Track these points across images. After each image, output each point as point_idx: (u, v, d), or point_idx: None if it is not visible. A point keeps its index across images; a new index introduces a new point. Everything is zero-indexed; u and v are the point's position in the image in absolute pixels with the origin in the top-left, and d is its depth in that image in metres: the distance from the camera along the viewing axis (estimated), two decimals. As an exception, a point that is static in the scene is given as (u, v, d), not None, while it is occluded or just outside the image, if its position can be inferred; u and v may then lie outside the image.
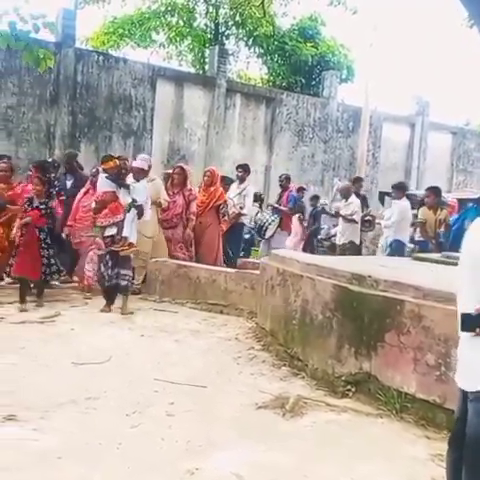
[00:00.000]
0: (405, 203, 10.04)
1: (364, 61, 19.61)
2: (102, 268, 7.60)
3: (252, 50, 21.53)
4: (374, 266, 5.73)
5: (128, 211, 7.47)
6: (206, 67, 20.67)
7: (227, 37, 21.03)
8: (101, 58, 15.97)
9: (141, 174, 7.87)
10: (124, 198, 7.52)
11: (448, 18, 40.68)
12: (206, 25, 21.26)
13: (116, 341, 6.49)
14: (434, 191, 9.85)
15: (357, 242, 10.46)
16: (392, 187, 10.76)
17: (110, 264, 7.52)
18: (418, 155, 21.81)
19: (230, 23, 20.77)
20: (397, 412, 5.17)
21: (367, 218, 11.04)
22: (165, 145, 16.73)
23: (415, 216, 14.31)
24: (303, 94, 19.92)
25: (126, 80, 16.15)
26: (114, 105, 16.04)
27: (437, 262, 6.52)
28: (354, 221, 10.28)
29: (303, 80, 20.89)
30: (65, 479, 3.53)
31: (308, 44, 20.53)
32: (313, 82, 20.93)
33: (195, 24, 21.23)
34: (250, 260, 10.64)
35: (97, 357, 5.77)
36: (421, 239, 9.70)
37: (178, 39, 21.17)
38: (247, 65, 22.31)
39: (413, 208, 15.91)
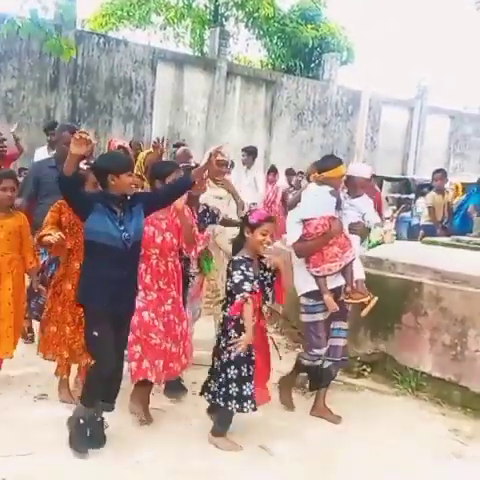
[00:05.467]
0: None
1: (364, 43, 19.58)
2: (314, 340, 4.68)
3: (252, 32, 21.39)
4: (389, 249, 5.81)
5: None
6: (205, 49, 20.59)
7: (227, 18, 20.89)
8: (102, 41, 15.86)
9: (364, 187, 5.20)
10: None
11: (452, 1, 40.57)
12: (206, 6, 21.08)
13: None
14: (443, 174, 9.85)
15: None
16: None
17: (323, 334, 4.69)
18: (416, 139, 21.85)
19: (230, 4, 20.57)
20: (413, 390, 5.34)
21: None
22: (165, 129, 16.65)
23: (412, 200, 14.38)
24: (303, 77, 19.86)
25: (126, 63, 16.05)
26: (114, 89, 15.96)
27: (448, 246, 6.60)
28: None
29: (303, 63, 20.80)
30: None
31: (309, 26, 20.41)
32: (313, 65, 20.87)
33: (194, 4, 21.07)
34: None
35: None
36: (427, 223, 9.73)
37: (176, 20, 21.01)
38: (246, 47, 22.19)
39: (410, 192, 15.99)
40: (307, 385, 5.20)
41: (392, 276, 5.62)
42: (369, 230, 5.12)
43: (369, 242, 5.57)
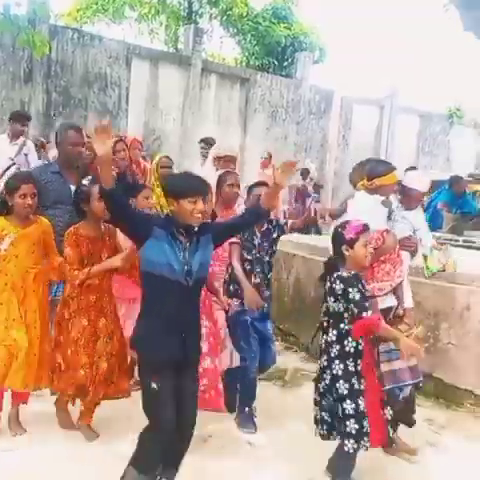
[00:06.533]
0: None
1: (336, 43, 19.82)
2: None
3: (226, 30, 21.49)
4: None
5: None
6: (179, 45, 20.62)
7: (201, 16, 20.93)
8: (76, 35, 15.80)
9: (420, 201, 4.86)
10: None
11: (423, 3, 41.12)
12: (180, 2, 21.10)
13: None
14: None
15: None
16: None
17: None
18: (386, 137, 22.16)
19: (204, 1, 20.63)
20: None
21: None
22: (140, 125, 16.70)
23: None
24: (276, 75, 20.04)
25: (101, 58, 16.02)
26: (89, 83, 15.93)
27: None
28: None
29: (276, 61, 20.97)
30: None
31: (282, 25, 20.58)
32: (286, 63, 21.02)
33: (168, 1, 21.05)
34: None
35: None
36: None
37: (151, 16, 21.02)
38: (221, 45, 22.28)
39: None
40: (286, 377, 5.39)
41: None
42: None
43: (428, 268, 5.16)
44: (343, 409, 3.62)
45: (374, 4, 49.57)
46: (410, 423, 4.37)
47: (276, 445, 4.39)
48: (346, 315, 3.70)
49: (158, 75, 17.12)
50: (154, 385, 3.30)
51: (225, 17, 20.80)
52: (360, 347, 3.69)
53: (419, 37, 52.57)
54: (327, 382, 3.72)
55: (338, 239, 3.78)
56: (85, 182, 4.11)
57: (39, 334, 4.21)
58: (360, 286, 3.63)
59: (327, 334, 3.77)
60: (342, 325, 3.72)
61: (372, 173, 4.40)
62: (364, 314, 3.57)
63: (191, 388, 3.52)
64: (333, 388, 3.68)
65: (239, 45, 21.82)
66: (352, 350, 3.67)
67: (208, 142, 9.38)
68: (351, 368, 3.67)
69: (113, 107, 16.37)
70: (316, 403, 3.87)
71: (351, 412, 3.60)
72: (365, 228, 3.75)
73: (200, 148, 9.42)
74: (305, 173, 15.74)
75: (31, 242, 4.22)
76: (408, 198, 4.62)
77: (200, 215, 3.41)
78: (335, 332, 3.73)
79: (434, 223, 8.95)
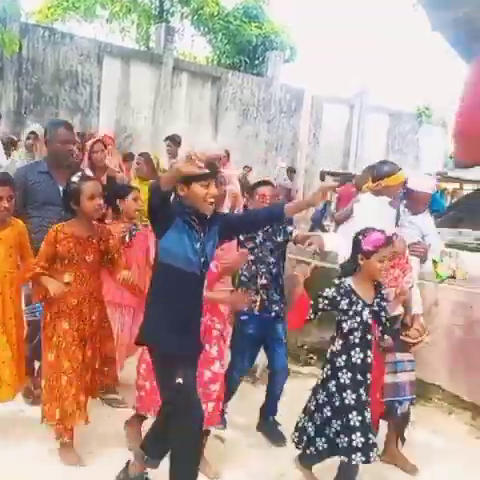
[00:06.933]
0: None
1: (306, 43, 19.96)
2: None
3: (197, 28, 21.58)
4: (333, 240, 6.08)
5: None
6: (151, 44, 20.63)
7: (172, 14, 20.99)
8: (47, 33, 15.76)
9: (426, 204, 4.56)
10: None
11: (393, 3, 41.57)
12: (151, 1, 21.13)
13: None
14: None
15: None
16: None
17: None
18: (357, 136, 22.40)
19: (175, 0, 20.70)
20: None
21: None
22: (112, 123, 16.69)
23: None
24: (247, 74, 20.18)
25: (72, 56, 16.02)
26: (60, 81, 15.91)
27: None
28: None
29: (247, 60, 21.12)
30: None
31: (252, 24, 20.74)
32: (257, 62, 21.17)
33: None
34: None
35: None
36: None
37: (122, 14, 21.01)
38: (192, 43, 22.36)
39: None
40: (256, 374, 5.44)
41: (336, 267, 5.92)
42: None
43: (437, 276, 4.86)
44: (348, 420, 3.43)
45: (344, 4, 50.03)
46: (403, 439, 4.21)
47: (246, 441, 4.46)
48: (345, 325, 3.55)
49: (129, 73, 17.14)
50: (180, 380, 3.12)
51: (196, 16, 20.92)
52: (369, 359, 3.52)
53: (389, 37, 53.20)
54: (331, 391, 3.53)
55: (356, 246, 3.58)
56: (75, 179, 3.86)
57: (15, 341, 4.01)
58: (341, 292, 3.55)
59: (333, 344, 3.60)
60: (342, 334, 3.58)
61: (377, 174, 4.26)
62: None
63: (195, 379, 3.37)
64: (336, 398, 3.50)
65: (210, 44, 21.95)
66: (359, 361, 3.50)
67: (174, 140, 9.26)
68: (360, 378, 3.49)
69: (84, 105, 16.34)
70: (306, 412, 3.68)
71: (357, 424, 3.41)
72: (386, 242, 3.54)
73: (166, 146, 9.24)
74: (291, 173, 15.81)
75: (8, 245, 4.00)
76: (415, 201, 4.39)
77: (213, 200, 3.16)
78: (341, 342, 3.56)
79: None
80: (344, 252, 3.98)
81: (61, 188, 4.27)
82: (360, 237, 3.55)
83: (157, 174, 6.46)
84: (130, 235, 4.60)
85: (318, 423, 3.56)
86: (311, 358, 6.00)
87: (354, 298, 3.51)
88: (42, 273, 3.78)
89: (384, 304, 3.59)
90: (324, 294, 3.57)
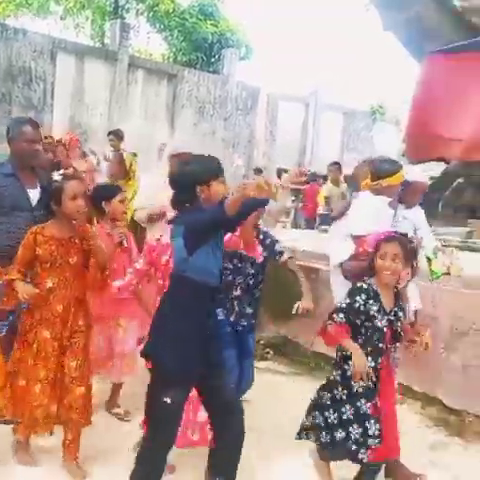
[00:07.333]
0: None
1: (262, 41, 20.09)
2: None
3: (152, 25, 21.48)
4: (289, 238, 6.19)
5: None
6: (106, 41, 20.45)
7: (127, 11, 20.86)
8: (-1, 29, 15.52)
9: (420, 195, 4.48)
10: None
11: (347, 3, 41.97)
12: (106, -3, 21.01)
13: None
14: (338, 167, 10.51)
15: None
16: None
17: None
18: (312, 133, 22.61)
19: (130, -4, 20.65)
20: (311, 370, 5.72)
21: None
22: (66, 120, 16.50)
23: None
24: (204, 71, 20.18)
25: (26, 52, 15.74)
26: (13, 78, 15.62)
27: None
28: None
29: (204, 57, 21.13)
30: None
31: (208, 22, 20.76)
32: (213, 59, 21.20)
33: (94, -4, 20.91)
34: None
35: None
36: (323, 213, 10.35)
37: (76, 10, 20.79)
38: (148, 40, 22.25)
39: (307, 183, 16.70)
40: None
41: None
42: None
43: (432, 273, 4.54)
44: (366, 429, 3.30)
45: (299, 4, 50.39)
46: None
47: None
48: (362, 330, 3.39)
49: (84, 70, 16.96)
50: (168, 399, 2.99)
51: (152, 13, 20.84)
52: (378, 367, 3.39)
53: (343, 36, 53.79)
54: (342, 397, 3.40)
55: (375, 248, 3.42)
56: (57, 177, 3.63)
57: None
58: (357, 298, 3.36)
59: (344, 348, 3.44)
60: (359, 340, 3.40)
61: (378, 173, 4.09)
62: (329, 323, 3.37)
63: (226, 387, 3.27)
64: (345, 407, 3.38)
65: (166, 41, 21.88)
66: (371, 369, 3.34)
67: (117, 134, 9.40)
68: (372, 386, 3.35)
69: (38, 102, 16.10)
70: (315, 409, 3.54)
71: (376, 433, 3.29)
72: (385, 239, 3.41)
73: (109, 140, 9.33)
74: (258, 173, 15.93)
75: None
76: (412, 193, 4.27)
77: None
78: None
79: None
80: (338, 252, 4.00)
81: (29, 191, 4.14)
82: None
83: (129, 174, 6.37)
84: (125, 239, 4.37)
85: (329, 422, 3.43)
86: (267, 353, 6.08)
87: (378, 302, 3.38)
88: (19, 278, 3.56)
89: (400, 314, 3.47)
90: (356, 305, 3.35)
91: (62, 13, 21.13)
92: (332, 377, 3.51)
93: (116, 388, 4.65)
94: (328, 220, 9.75)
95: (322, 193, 10.72)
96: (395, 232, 3.52)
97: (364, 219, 3.85)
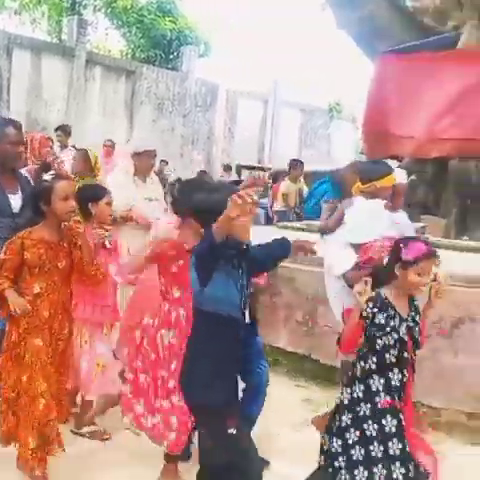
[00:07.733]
0: None
1: (220, 38, 20.12)
2: None
3: (111, 22, 21.32)
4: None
5: None
6: (63, 36, 20.21)
7: (85, 7, 20.63)
8: (-48, 23, 15.25)
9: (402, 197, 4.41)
10: None
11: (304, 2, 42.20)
12: (63, -8, 20.72)
13: None
14: (299, 164, 10.61)
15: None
16: None
17: None
18: (271, 130, 22.73)
19: (88, -8, 20.43)
20: (270, 365, 5.76)
21: None
22: (22, 116, 16.22)
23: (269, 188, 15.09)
24: (162, 68, 20.12)
25: (-20, 48, 15.54)
26: (-33, 73, 15.41)
27: (299, 230, 6.86)
28: None
29: (162, 54, 21.04)
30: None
31: (167, 19, 20.69)
32: (171, 56, 21.13)
33: (50, -9, 20.61)
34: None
35: None
36: (281, 209, 10.46)
37: (32, 6, 20.49)
38: (106, 37, 22.06)
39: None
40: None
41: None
42: None
43: None
44: (387, 449, 3.03)
45: (257, 3, 50.46)
46: None
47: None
48: (379, 341, 3.14)
49: (41, 66, 16.76)
50: (232, 430, 2.85)
51: (110, 9, 20.66)
52: (405, 379, 3.17)
53: (301, 35, 54.04)
54: (364, 414, 3.14)
55: (395, 254, 3.18)
56: (47, 177, 3.50)
57: None
58: (377, 305, 3.13)
59: (364, 360, 3.18)
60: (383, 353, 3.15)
61: (369, 176, 3.98)
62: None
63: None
64: (371, 426, 3.10)
65: (124, 37, 21.72)
66: (398, 383, 3.15)
67: (65, 130, 9.41)
68: (397, 402, 3.13)
69: (-7, 98, 15.88)
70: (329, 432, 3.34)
71: (397, 453, 3.03)
72: (428, 255, 3.12)
73: (56, 136, 9.17)
74: (227, 170, 15.93)
75: None
76: (397, 195, 4.17)
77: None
78: (374, 359, 3.15)
79: (316, 212, 9.38)
80: (341, 262, 3.84)
81: (11, 197, 3.98)
82: (401, 245, 3.17)
83: (94, 171, 6.30)
84: (109, 240, 4.12)
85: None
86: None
87: (392, 312, 3.13)
88: (9, 286, 3.39)
89: (418, 318, 3.25)
90: (363, 314, 3.14)
91: (18, 8, 20.77)
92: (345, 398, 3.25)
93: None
94: (285, 216, 9.90)
95: (280, 190, 10.81)
96: (427, 243, 3.22)
97: (363, 226, 3.75)
